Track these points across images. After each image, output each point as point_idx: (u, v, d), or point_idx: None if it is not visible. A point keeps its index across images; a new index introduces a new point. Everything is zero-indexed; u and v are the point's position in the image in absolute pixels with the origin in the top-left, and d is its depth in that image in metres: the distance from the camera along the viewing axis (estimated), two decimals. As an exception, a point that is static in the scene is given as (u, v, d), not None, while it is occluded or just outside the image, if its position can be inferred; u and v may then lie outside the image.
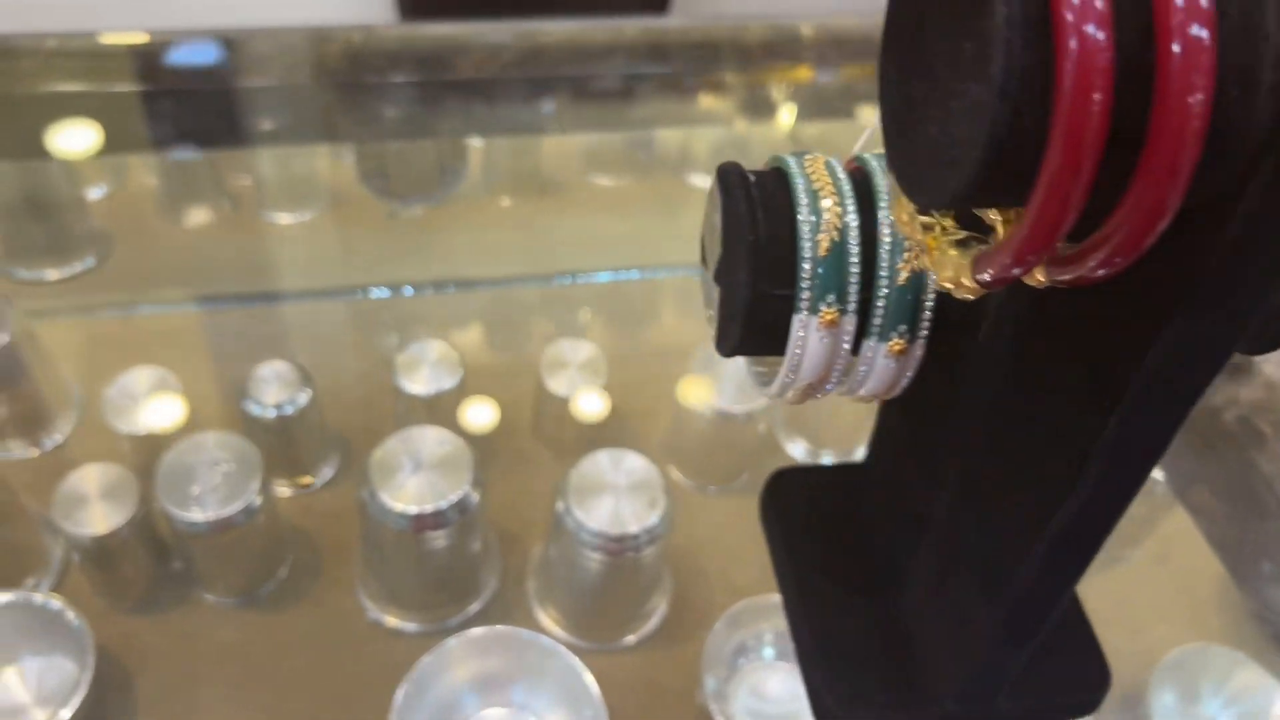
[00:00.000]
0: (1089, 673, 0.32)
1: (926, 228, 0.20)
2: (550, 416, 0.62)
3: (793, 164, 0.26)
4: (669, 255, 0.79)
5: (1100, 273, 0.18)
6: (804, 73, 0.88)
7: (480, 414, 0.63)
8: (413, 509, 0.49)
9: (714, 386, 0.60)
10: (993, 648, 0.27)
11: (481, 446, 0.62)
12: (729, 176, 0.26)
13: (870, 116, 0.91)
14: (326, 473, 0.60)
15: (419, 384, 0.58)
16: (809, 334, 0.25)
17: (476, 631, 0.49)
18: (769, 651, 0.54)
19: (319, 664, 0.53)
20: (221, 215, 0.76)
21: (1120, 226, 0.16)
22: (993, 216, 0.19)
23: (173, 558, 0.54)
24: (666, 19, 0.79)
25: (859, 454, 0.68)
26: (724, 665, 0.53)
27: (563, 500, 0.51)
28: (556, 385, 0.60)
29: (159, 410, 0.56)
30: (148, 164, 0.78)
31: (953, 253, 0.18)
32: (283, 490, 0.59)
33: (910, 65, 0.18)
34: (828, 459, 0.66)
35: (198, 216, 0.76)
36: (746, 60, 0.86)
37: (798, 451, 0.66)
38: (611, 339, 0.71)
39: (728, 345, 0.27)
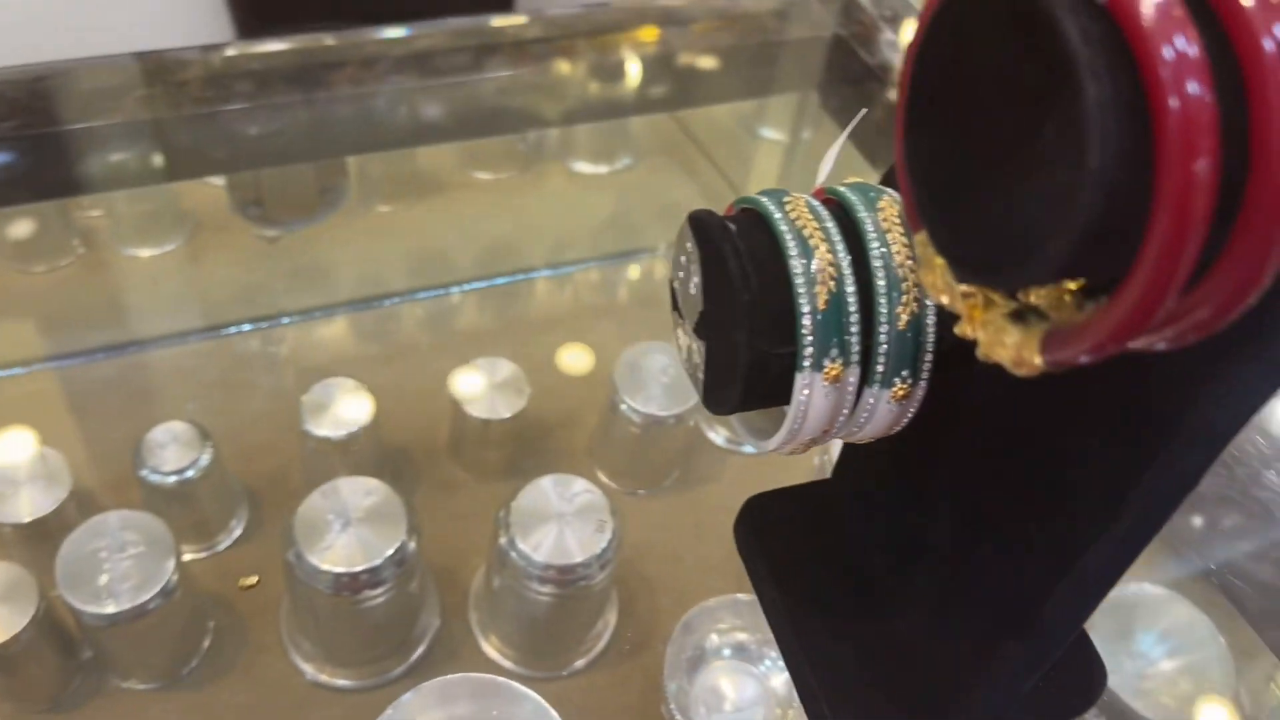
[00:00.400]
0: (1088, 675, 0.32)
1: (967, 296, 0.18)
2: (470, 440, 0.59)
3: (771, 207, 0.24)
4: (567, 251, 0.77)
5: (1161, 346, 0.17)
6: (657, 49, 0.87)
7: (395, 446, 0.60)
8: (345, 569, 0.46)
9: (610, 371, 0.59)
10: (1012, 676, 0.27)
11: (401, 480, 0.59)
12: (709, 230, 0.24)
13: (715, 75, 0.90)
14: (235, 529, 0.56)
15: (327, 427, 0.54)
16: (813, 391, 0.24)
17: (432, 683, 0.47)
18: (726, 653, 0.54)
19: (262, 739, 0.49)
20: (75, 257, 0.70)
21: (1205, 300, 0.15)
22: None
23: (82, 649, 0.49)
24: (513, 15, 0.79)
25: (782, 436, 0.67)
26: (684, 674, 0.52)
27: (505, 534, 0.48)
28: (475, 407, 0.57)
29: (42, 490, 0.51)
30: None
31: (1012, 330, 0.17)
32: (189, 554, 0.55)
33: (953, 136, 0.17)
34: (749, 449, 0.66)
35: (46, 260, 0.70)
36: (596, 45, 0.84)
37: (719, 439, 0.66)
38: (520, 345, 0.69)
39: (725, 406, 0.25)
